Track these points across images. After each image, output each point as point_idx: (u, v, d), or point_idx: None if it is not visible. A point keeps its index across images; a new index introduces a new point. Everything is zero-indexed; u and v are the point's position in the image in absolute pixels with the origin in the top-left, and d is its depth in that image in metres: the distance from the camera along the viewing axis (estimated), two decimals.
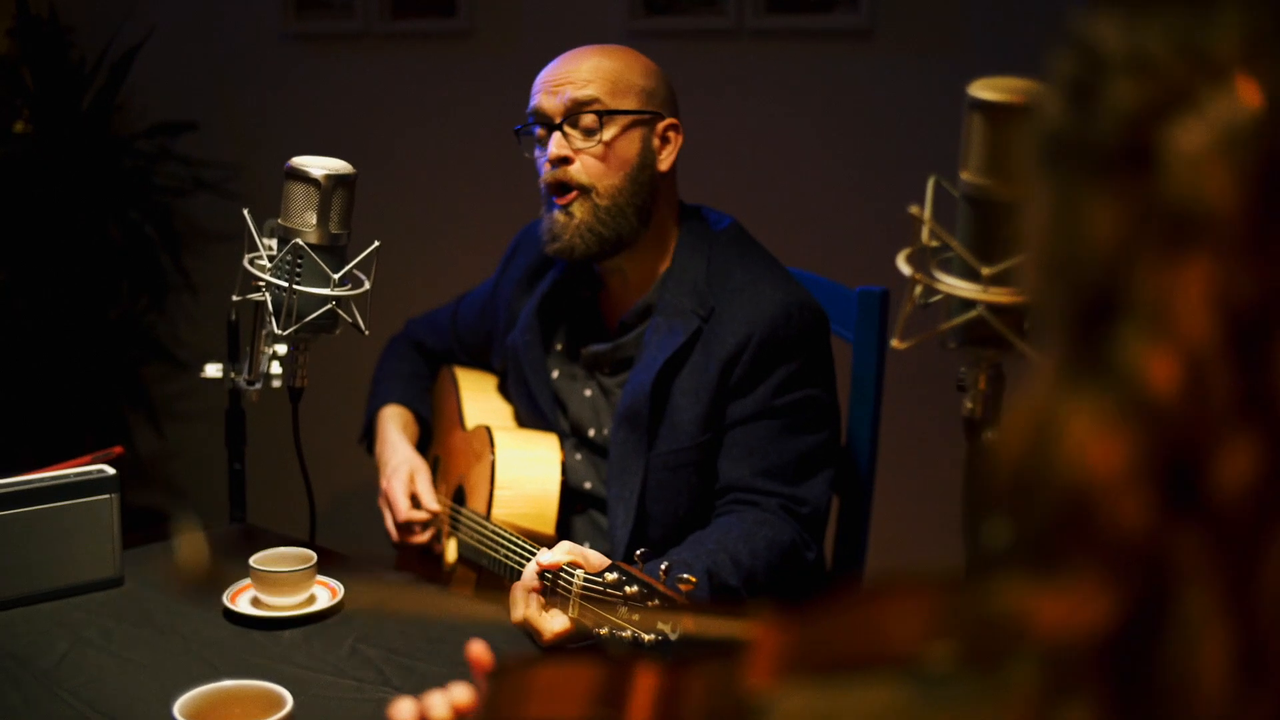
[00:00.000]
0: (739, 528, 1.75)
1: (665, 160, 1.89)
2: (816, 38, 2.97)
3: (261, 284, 1.72)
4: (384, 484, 2.04)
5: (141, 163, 3.83)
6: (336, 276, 1.70)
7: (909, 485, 2.62)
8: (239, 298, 1.78)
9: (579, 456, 1.96)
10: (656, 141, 1.88)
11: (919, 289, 1.18)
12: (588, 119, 1.82)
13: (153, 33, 3.78)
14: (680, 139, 1.90)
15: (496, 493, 1.87)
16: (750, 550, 1.71)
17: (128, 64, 3.77)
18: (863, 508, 2.11)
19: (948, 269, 1.19)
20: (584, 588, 1.43)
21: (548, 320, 2.02)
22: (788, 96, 3.00)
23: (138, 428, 3.89)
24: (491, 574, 1.85)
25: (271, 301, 1.71)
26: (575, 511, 1.95)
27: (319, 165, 1.70)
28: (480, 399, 2.13)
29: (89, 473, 1.76)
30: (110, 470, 1.77)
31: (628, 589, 1.33)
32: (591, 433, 1.95)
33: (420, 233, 3.45)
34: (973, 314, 1.15)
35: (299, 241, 1.67)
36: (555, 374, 2.01)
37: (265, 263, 1.72)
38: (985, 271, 1.14)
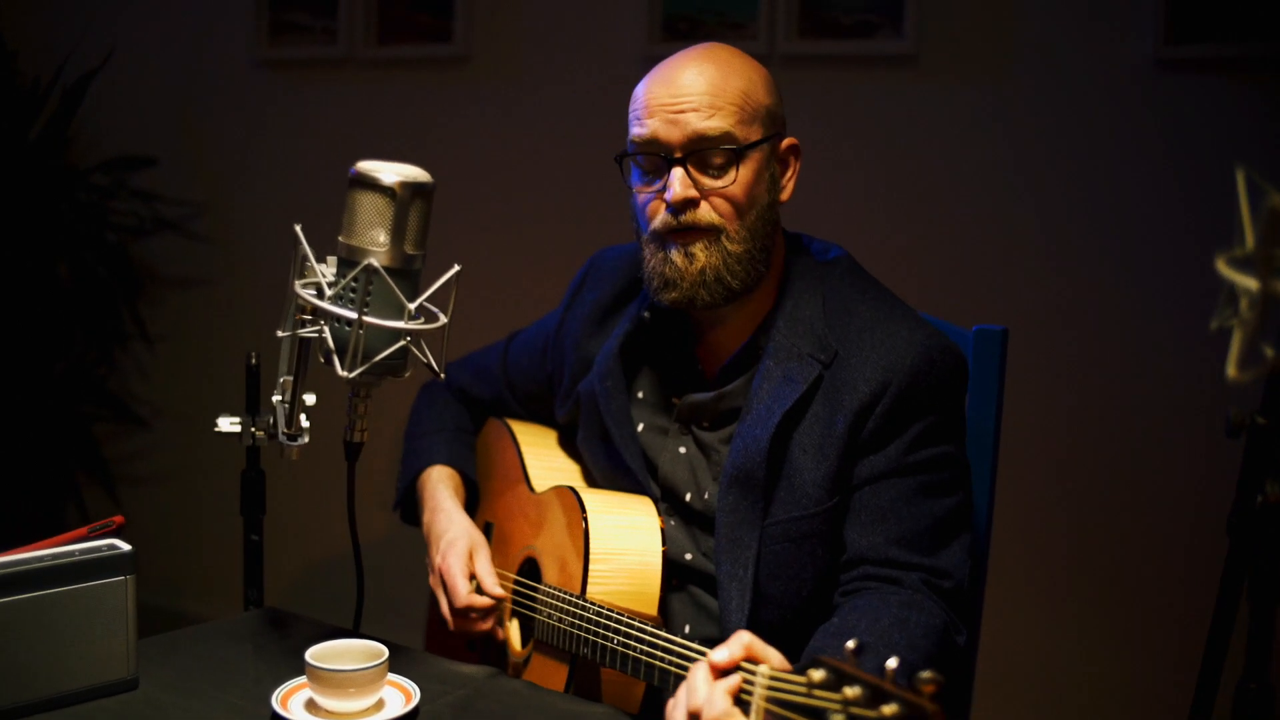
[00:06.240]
0: (888, 613, 1.46)
1: (788, 188, 1.65)
2: (854, 64, 2.79)
3: (311, 316, 1.42)
4: (437, 561, 1.73)
5: (95, 199, 3.58)
6: (412, 306, 1.40)
7: (1023, 556, 2.36)
8: (286, 334, 1.46)
9: (673, 523, 1.67)
10: (778, 166, 1.63)
11: (1245, 304, 0.92)
12: (718, 157, 1.56)
13: (110, 56, 3.51)
14: (799, 162, 1.66)
15: (592, 567, 1.56)
16: (908, 641, 1.43)
17: (82, 90, 3.54)
18: (977, 582, 1.83)
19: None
20: (772, 689, 1.13)
21: (630, 364, 1.73)
22: (824, 126, 2.79)
23: (88, 491, 3.51)
24: (589, 664, 1.54)
25: (333, 337, 1.40)
26: (672, 588, 1.65)
27: (392, 171, 1.40)
28: (544, 456, 1.83)
29: (97, 549, 1.42)
30: (124, 546, 1.44)
31: (847, 691, 1.03)
32: (688, 496, 1.66)
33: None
34: None
35: (373, 263, 1.37)
36: (640, 426, 1.71)
37: (321, 289, 1.41)
38: None
